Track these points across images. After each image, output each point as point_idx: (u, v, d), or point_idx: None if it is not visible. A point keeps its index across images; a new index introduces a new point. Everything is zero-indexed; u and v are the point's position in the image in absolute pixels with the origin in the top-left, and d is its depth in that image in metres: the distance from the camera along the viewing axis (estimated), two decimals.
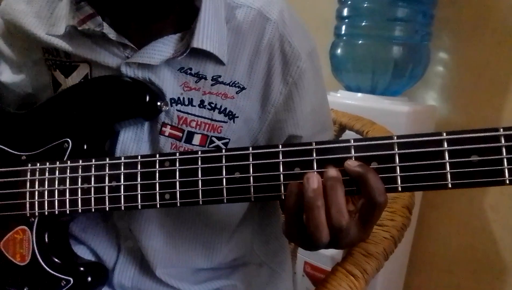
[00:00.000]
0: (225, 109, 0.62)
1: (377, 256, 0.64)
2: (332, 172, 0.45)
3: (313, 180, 0.45)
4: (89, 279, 0.61)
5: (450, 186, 0.42)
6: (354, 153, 0.45)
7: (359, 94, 1.25)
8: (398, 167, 0.44)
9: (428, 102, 1.34)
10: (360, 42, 1.22)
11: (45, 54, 0.66)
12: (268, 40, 0.62)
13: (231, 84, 0.62)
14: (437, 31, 1.24)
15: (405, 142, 0.44)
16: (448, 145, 0.42)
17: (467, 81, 1.27)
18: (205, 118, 0.62)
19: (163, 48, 0.60)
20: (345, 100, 1.23)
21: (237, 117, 0.63)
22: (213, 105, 0.62)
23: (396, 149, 0.44)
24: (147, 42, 0.60)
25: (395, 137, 0.44)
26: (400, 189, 0.44)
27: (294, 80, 0.63)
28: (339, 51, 1.27)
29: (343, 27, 1.25)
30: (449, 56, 1.30)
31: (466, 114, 1.28)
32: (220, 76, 0.61)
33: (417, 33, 1.19)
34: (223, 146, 0.63)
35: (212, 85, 0.61)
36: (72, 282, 0.60)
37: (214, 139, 0.63)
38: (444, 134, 0.42)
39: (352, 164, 0.45)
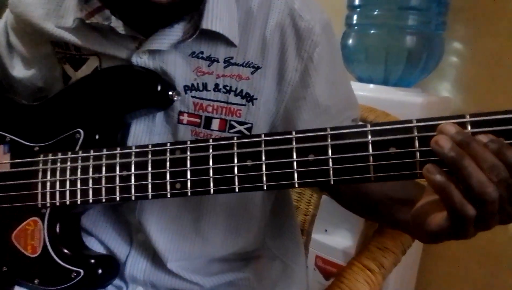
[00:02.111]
0: (241, 91, 0.61)
1: (394, 250, 0.63)
2: (451, 129, 0.39)
3: (444, 140, 0.39)
4: (100, 271, 0.61)
5: None
6: (371, 138, 0.44)
7: (371, 86, 1.23)
8: (418, 152, 0.42)
9: (442, 93, 1.32)
10: (372, 32, 1.20)
11: (55, 47, 0.66)
12: (277, 15, 0.60)
13: (244, 64, 0.61)
14: (451, 20, 1.22)
15: (425, 126, 0.42)
16: (472, 128, 0.40)
17: (482, 71, 1.24)
18: (220, 101, 0.61)
19: (171, 31, 0.59)
20: (357, 92, 1.17)
21: (256, 99, 0.61)
22: (228, 88, 0.61)
23: (416, 133, 0.42)
24: (155, 30, 0.59)
25: (415, 121, 0.42)
26: (419, 176, 0.42)
27: (309, 54, 0.60)
28: (350, 41, 1.25)
29: (355, 17, 1.23)
30: (464, 46, 1.28)
31: (482, 106, 1.25)
32: (232, 58, 0.60)
33: (431, 23, 1.16)
34: (246, 131, 0.62)
35: (225, 67, 0.60)
36: (82, 274, 0.59)
37: (234, 123, 0.61)
38: (468, 116, 0.40)
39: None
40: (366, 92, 1.20)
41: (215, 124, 0.61)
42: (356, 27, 1.25)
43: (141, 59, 0.60)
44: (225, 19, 0.59)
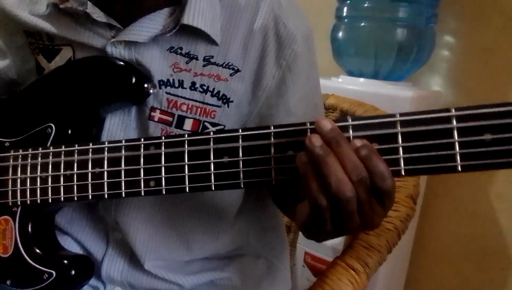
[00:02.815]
0: (218, 92, 0.59)
1: (380, 248, 0.61)
2: (327, 125, 0.41)
3: (316, 138, 0.40)
4: (73, 272, 0.58)
5: (459, 168, 0.38)
6: (353, 132, 0.41)
7: (361, 79, 1.20)
8: (401, 148, 0.40)
9: (433, 87, 1.30)
10: (362, 24, 1.17)
11: (28, 37, 0.64)
12: (263, 20, 0.59)
13: (224, 65, 0.59)
14: (443, 13, 1.19)
15: (409, 120, 0.40)
16: (457, 122, 0.38)
17: (473, 65, 1.22)
18: (196, 101, 0.59)
19: (151, 24, 0.57)
20: (346, 86, 1.18)
21: (232, 101, 0.60)
22: (205, 88, 0.59)
23: (399, 128, 0.40)
24: (133, 20, 0.57)
25: (398, 115, 0.40)
26: (403, 173, 0.40)
27: (288, 63, 0.60)
28: (340, 34, 1.22)
29: (345, 9, 1.20)
30: (455, 39, 1.25)
31: (473, 100, 1.21)
32: (212, 57, 0.58)
33: (422, 15, 1.13)
34: None
35: (204, 66, 0.58)
36: (54, 275, 0.57)
37: (207, 124, 0.59)
38: (453, 110, 0.38)
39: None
40: (356, 86, 1.17)
41: (188, 124, 0.59)
42: (346, 20, 1.22)
43: (116, 49, 0.58)
44: (208, 16, 0.57)
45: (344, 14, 1.21)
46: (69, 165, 0.54)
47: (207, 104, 0.59)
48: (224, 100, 0.59)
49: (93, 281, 0.66)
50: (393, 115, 0.40)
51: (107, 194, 0.52)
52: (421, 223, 1.32)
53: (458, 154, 0.38)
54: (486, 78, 1.20)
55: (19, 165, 0.58)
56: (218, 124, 0.60)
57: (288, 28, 0.59)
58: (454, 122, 0.38)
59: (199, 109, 0.59)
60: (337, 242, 1.19)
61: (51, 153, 0.56)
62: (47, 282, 0.57)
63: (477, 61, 1.21)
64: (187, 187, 0.48)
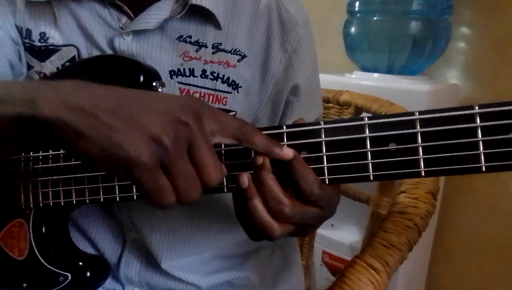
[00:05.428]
0: (228, 78, 0.60)
1: (400, 247, 0.60)
2: (259, 160, 0.43)
3: (243, 179, 0.43)
4: (88, 274, 0.59)
5: (484, 169, 0.36)
6: (369, 133, 0.40)
7: (376, 74, 1.18)
8: (420, 148, 0.38)
9: (449, 80, 1.27)
10: (375, 18, 1.15)
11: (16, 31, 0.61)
12: (266, 7, 0.60)
13: (232, 51, 0.59)
14: (458, 4, 1.17)
15: (429, 118, 0.38)
16: (481, 121, 0.36)
17: (491, 57, 1.19)
18: (208, 88, 0.59)
19: (158, 11, 0.57)
20: (361, 81, 1.17)
21: (240, 87, 0.60)
22: (215, 75, 0.59)
23: (419, 127, 0.38)
24: (141, 10, 0.57)
25: (417, 113, 0.38)
26: (423, 174, 0.39)
27: (293, 47, 0.61)
28: (353, 29, 1.20)
29: (357, 3, 1.18)
30: (472, 31, 1.23)
31: (491, 93, 1.20)
32: (220, 44, 0.59)
33: (436, 7, 1.11)
34: None
35: (213, 53, 0.59)
36: (70, 277, 0.58)
37: None
38: (477, 107, 0.36)
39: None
40: (370, 82, 1.15)
41: None
42: (358, 14, 1.20)
43: (124, 41, 0.58)
44: None
45: (356, 8, 1.19)
46: (80, 168, 0.54)
47: (219, 90, 0.59)
48: (234, 86, 0.60)
49: (111, 283, 0.66)
50: (412, 114, 0.39)
51: (119, 197, 0.52)
52: (441, 219, 1.30)
53: (482, 154, 0.36)
54: (504, 70, 1.17)
55: (31, 169, 0.57)
56: (229, 111, 0.60)
57: (290, 12, 0.60)
58: (478, 120, 0.36)
59: (211, 96, 0.59)
60: (356, 241, 1.18)
61: (61, 156, 0.55)
62: (63, 285, 0.57)
63: (495, 53, 1.18)
64: None
